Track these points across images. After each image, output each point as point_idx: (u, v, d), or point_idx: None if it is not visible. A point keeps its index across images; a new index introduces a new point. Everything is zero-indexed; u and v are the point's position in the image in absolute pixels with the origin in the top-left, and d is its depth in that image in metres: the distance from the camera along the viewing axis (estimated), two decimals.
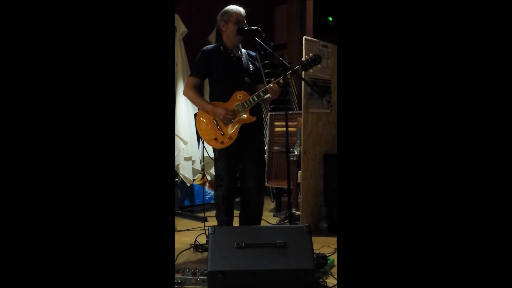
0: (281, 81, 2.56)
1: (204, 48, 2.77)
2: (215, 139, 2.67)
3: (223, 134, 2.66)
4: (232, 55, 2.73)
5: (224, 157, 2.70)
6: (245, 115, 2.65)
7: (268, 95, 2.60)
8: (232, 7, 2.72)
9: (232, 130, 2.65)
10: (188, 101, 3.18)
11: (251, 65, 2.77)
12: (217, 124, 2.67)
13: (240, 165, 2.78)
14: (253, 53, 2.86)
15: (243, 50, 2.80)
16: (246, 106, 2.63)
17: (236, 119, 2.65)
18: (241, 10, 2.72)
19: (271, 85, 2.57)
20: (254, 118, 2.66)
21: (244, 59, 2.75)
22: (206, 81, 2.99)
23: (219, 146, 2.68)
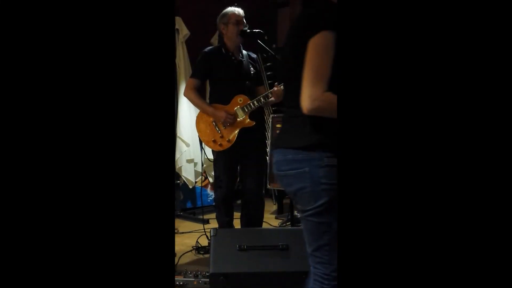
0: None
1: (205, 49, 2.77)
2: (214, 141, 2.67)
3: (222, 137, 2.66)
4: (233, 57, 2.72)
5: (222, 159, 2.70)
6: (245, 119, 2.65)
7: (270, 99, 2.61)
8: (230, 9, 2.71)
9: (231, 133, 2.65)
10: (191, 103, 3.19)
11: (251, 68, 2.77)
12: (216, 126, 2.67)
13: (240, 167, 2.79)
14: (254, 55, 2.85)
15: (244, 52, 2.79)
16: (247, 110, 2.64)
17: (236, 122, 2.65)
18: (239, 10, 2.71)
19: (275, 88, 2.58)
20: (253, 123, 2.66)
21: (245, 61, 2.74)
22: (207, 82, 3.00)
23: (218, 148, 2.68)
